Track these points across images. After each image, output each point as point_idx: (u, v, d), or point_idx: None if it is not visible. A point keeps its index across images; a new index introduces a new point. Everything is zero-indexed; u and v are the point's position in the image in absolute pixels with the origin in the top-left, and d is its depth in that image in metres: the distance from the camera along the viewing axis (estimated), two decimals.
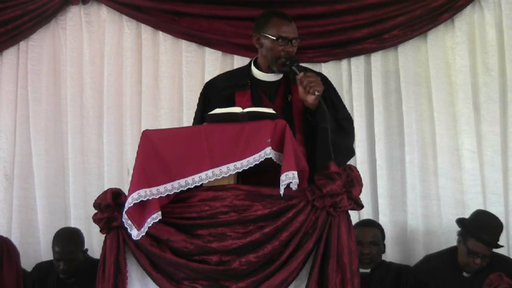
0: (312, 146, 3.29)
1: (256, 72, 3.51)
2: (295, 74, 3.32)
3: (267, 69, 3.48)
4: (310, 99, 3.24)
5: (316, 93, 3.21)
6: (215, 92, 3.50)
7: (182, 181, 2.93)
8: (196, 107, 3.64)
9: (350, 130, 3.48)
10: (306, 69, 3.37)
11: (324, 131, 3.15)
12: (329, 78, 3.62)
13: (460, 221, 4.28)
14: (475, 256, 4.17)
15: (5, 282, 4.46)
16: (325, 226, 2.94)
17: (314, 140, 3.29)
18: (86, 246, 4.60)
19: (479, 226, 4.19)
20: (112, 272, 3.00)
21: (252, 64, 3.54)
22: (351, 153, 3.51)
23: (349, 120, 3.51)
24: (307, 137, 3.36)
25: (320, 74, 3.64)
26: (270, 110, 3.04)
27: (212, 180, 2.94)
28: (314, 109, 3.27)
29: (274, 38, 3.37)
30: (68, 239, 4.50)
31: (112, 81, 5.04)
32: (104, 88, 5.05)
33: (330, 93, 3.47)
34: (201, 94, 3.61)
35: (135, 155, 2.98)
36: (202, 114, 3.45)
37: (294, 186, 2.87)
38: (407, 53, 4.81)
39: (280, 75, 3.48)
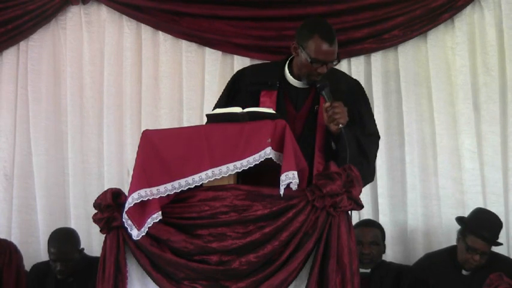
0: None
1: (288, 75, 3.41)
2: (325, 97, 3.23)
3: (297, 76, 3.39)
4: (334, 128, 3.19)
5: (340, 125, 3.16)
6: (243, 85, 3.43)
7: (182, 181, 2.93)
8: (222, 91, 3.55)
9: (371, 154, 3.39)
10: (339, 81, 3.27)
11: (344, 161, 3.10)
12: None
13: (460, 219, 4.29)
14: (474, 253, 4.17)
15: (4, 284, 4.46)
16: (325, 226, 2.94)
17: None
18: (85, 246, 4.60)
19: (478, 223, 4.20)
20: (112, 272, 3.00)
21: (286, 65, 3.44)
22: (370, 179, 3.43)
23: (373, 139, 3.43)
24: (328, 154, 3.30)
25: (355, 81, 3.60)
26: (270, 110, 3.04)
27: (212, 180, 2.94)
28: (337, 135, 3.21)
29: (309, 60, 3.24)
30: (63, 240, 4.49)
31: (112, 81, 5.04)
32: (104, 88, 5.05)
33: (359, 106, 3.41)
34: (230, 82, 3.54)
35: (135, 155, 2.98)
36: (226, 102, 3.36)
37: (294, 186, 2.87)
38: (407, 53, 4.81)
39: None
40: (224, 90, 3.55)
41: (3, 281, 4.49)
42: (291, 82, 3.41)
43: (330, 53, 3.26)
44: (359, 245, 4.18)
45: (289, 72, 3.42)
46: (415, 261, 4.51)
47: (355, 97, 3.43)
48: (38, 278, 4.61)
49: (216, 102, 3.56)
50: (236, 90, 3.46)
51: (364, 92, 3.58)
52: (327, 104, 3.21)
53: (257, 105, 3.29)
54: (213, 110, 3.44)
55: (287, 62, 3.45)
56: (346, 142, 3.14)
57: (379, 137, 3.51)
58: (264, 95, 3.36)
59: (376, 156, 3.48)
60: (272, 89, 3.37)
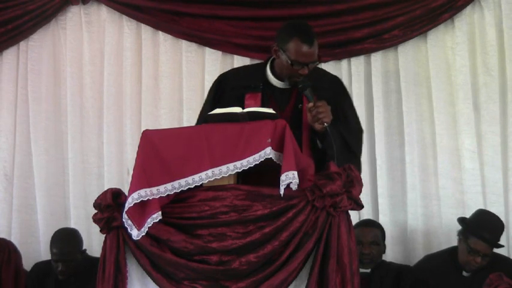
0: (320, 166, 3.23)
1: (271, 77, 3.44)
2: (308, 98, 3.26)
3: (279, 77, 3.42)
4: (318, 127, 3.22)
5: (325, 124, 3.19)
6: (227, 88, 3.46)
7: (182, 181, 2.93)
8: (206, 97, 3.58)
9: (358, 149, 3.43)
10: (324, 78, 3.32)
11: (331, 159, 3.12)
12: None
13: (462, 220, 4.28)
14: (476, 255, 4.17)
15: (3, 283, 4.46)
16: (325, 226, 2.94)
17: (322, 161, 3.23)
18: (85, 246, 4.59)
19: (480, 225, 4.20)
20: (112, 272, 3.00)
21: (268, 66, 3.46)
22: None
23: (358, 135, 3.46)
24: (315, 151, 3.32)
25: (335, 78, 3.63)
26: (270, 110, 3.04)
27: (212, 180, 2.94)
28: (322, 133, 3.24)
29: (290, 62, 3.28)
30: (65, 240, 4.49)
31: (112, 81, 5.04)
32: (104, 88, 5.05)
33: (342, 102, 3.44)
34: (213, 86, 3.56)
35: (135, 155, 2.98)
36: (211, 107, 3.36)
37: (294, 186, 2.87)
38: (407, 53, 4.81)
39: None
40: (208, 95, 3.56)
41: (2, 280, 4.49)
42: (274, 83, 3.44)
43: (310, 54, 3.30)
44: (359, 245, 4.17)
45: (272, 74, 3.44)
46: (416, 262, 4.51)
47: (337, 94, 3.47)
48: (39, 277, 4.61)
49: (202, 108, 3.57)
50: (220, 94, 3.48)
51: (345, 87, 3.62)
52: (310, 104, 3.24)
53: (242, 108, 3.27)
54: (199, 115, 3.50)
55: (269, 64, 3.48)
56: (332, 140, 3.16)
57: (362, 132, 3.54)
58: (248, 97, 3.39)
59: (361, 151, 3.50)
60: (256, 91, 3.39)
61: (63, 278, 4.47)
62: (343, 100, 3.49)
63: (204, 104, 3.56)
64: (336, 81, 3.58)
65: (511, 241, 4.59)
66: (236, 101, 3.34)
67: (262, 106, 3.32)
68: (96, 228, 3.17)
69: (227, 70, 3.79)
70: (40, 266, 4.67)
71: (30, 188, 5.05)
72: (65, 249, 4.45)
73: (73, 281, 4.49)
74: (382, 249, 4.47)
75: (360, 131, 3.50)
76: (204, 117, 3.18)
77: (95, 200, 3.10)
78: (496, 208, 4.53)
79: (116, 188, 3.11)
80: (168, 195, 2.93)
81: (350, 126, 3.41)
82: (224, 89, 3.48)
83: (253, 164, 2.91)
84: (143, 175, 2.90)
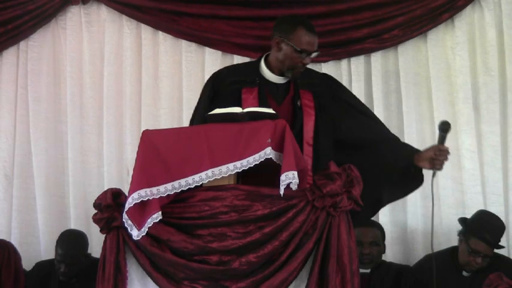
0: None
1: (266, 72, 3.48)
2: (442, 139, 3.40)
3: (278, 72, 3.46)
4: (426, 166, 3.38)
5: (437, 170, 3.36)
6: (222, 85, 3.48)
7: (182, 181, 2.93)
8: (199, 97, 3.60)
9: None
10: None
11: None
12: None
13: (462, 220, 4.28)
14: (477, 255, 4.17)
15: (3, 284, 4.46)
16: (325, 226, 2.94)
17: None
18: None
19: (481, 225, 4.19)
20: (112, 272, 3.00)
21: (263, 62, 3.50)
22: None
23: (377, 119, 3.69)
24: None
25: (325, 74, 3.71)
26: (270, 110, 3.04)
27: (212, 180, 2.94)
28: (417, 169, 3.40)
29: (298, 50, 3.35)
30: (71, 243, 4.48)
31: (112, 81, 5.03)
32: (103, 88, 5.04)
33: (339, 94, 3.53)
34: (207, 84, 3.58)
35: (135, 155, 2.98)
36: (207, 105, 3.42)
37: (294, 186, 2.87)
38: (407, 53, 4.81)
39: (286, 78, 3.46)
40: (202, 94, 3.58)
41: (2, 282, 4.48)
42: (270, 78, 3.47)
43: (314, 43, 3.41)
44: (359, 245, 4.17)
45: (267, 69, 3.48)
46: (416, 262, 4.50)
47: (331, 88, 3.53)
48: (41, 276, 4.60)
49: (195, 107, 3.58)
50: (215, 91, 3.49)
51: (337, 80, 3.69)
52: (445, 147, 3.38)
53: (239, 104, 3.34)
54: (192, 115, 3.55)
55: (263, 60, 3.51)
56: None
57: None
58: (245, 92, 3.42)
59: None
60: (252, 86, 3.43)
61: (64, 279, 4.47)
62: (340, 92, 3.57)
63: (198, 104, 3.58)
64: (326, 78, 3.64)
65: (511, 241, 4.59)
66: (232, 96, 3.38)
67: (260, 100, 3.38)
68: (96, 228, 3.17)
69: (220, 69, 3.81)
70: (42, 266, 4.66)
71: (30, 188, 5.04)
72: (70, 252, 4.44)
73: (75, 281, 4.49)
74: (382, 249, 4.47)
75: (374, 115, 3.68)
76: (204, 117, 3.19)
77: (95, 200, 3.10)
78: (496, 208, 4.53)
79: (116, 188, 3.12)
80: (168, 195, 2.93)
81: (368, 113, 3.59)
82: (219, 87, 3.49)
83: (253, 164, 2.91)
84: (143, 175, 2.90)
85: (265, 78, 3.47)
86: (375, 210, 3.77)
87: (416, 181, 3.52)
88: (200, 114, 3.41)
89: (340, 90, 3.59)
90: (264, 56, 3.53)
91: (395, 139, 3.58)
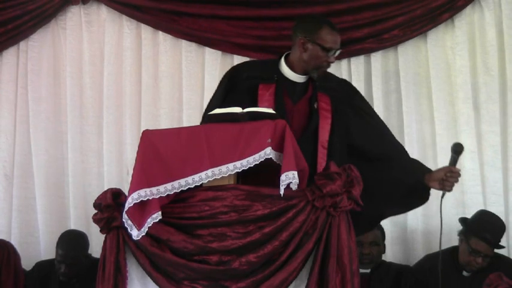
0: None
1: (286, 70, 3.45)
2: (454, 161, 3.41)
3: (300, 71, 3.44)
4: (438, 187, 3.38)
5: (446, 191, 3.37)
6: (240, 79, 3.47)
7: (182, 181, 2.92)
8: (215, 89, 3.59)
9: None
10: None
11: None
12: None
13: (463, 220, 4.28)
14: (477, 255, 4.17)
15: (2, 284, 4.46)
16: (325, 226, 2.93)
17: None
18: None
19: (482, 225, 4.20)
20: (112, 272, 3.00)
21: (283, 60, 3.48)
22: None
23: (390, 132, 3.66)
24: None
25: (344, 80, 3.72)
26: (270, 110, 3.04)
27: (212, 180, 2.94)
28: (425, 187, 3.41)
29: (325, 48, 3.35)
30: (72, 243, 4.48)
31: (112, 81, 5.03)
32: (103, 88, 5.04)
33: (356, 102, 3.53)
34: (225, 77, 3.56)
35: (135, 155, 2.98)
36: (223, 98, 3.42)
37: (294, 186, 2.87)
38: (407, 53, 4.81)
39: (307, 78, 3.45)
40: (219, 87, 3.56)
41: (2, 282, 4.48)
42: (289, 76, 3.45)
43: (338, 41, 3.42)
44: (359, 245, 4.17)
45: (288, 67, 3.46)
46: (416, 262, 4.50)
47: (348, 95, 3.52)
48: (41, 276, 4.60)
49: (210, 99, 3.57)
50: (232, 85, 3.48)
51: (355, 87, 3.68)
52: (457, 169, 3.38)
53: (255, 99, 3.35)
54: (207, 107, 3.51)
55: (283, 58, 3.49)
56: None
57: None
58: (262, 88, 3.40)
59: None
60: (270, 82, 3.41)
61: (64, 279, 4.47)
62: (356, 99, 3.56)
63: (213, 96, 3.56)
64: (345, 83, 3.65)
65: (511, 241, 4.59)
66: (249, 91, 3.38)
67: (276, 98, 3.37)
68: (96, 228, 3.17)
69: (239, 63, 3.80)
70: (42, 266, 4.66)
71: (30, 188, 5.04)
72: (70, 253, 4.44)
73: (75, 281, 4.49)
74: (382, 249, 4.47)
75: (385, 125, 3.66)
76: (224, 101, 3.22)
77: (95, 200, 3.10)
78: (496, 208, 4.53)
79: (115, 188, 3.11)
80: (168, 195, 2.93)
81: (381, 124, 3.59)
82: (236, 80, 3.48)
83: (253, 164, 2.91)
84: (143, 175, 2.90)
85: (284, 76, 3.45)
86: (375, 224, 3.81)
87: (422, 199, 3.53)
88: (213, 107, 3.39)
89: (357, 98, 3.57)
90: (285, 55, 3.50)
91: (405, 154, 3.57)
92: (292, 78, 3.45)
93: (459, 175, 3.39)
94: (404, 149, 3.63)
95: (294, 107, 3.38)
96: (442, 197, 3.39)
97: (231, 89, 3.46)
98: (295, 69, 3.44)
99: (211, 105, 3.47)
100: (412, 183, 3.41)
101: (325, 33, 3.37)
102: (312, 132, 3.37)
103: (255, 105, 3.30)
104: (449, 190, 3.37)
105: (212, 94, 3.58)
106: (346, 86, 3.61)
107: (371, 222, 3.60)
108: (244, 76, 3.46)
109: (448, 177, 3.35)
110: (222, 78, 3.57)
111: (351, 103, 3.50)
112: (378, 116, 3.64)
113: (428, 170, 3.46)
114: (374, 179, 3.29)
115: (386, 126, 3.63)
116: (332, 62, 3.41)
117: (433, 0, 4.71)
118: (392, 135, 3.63)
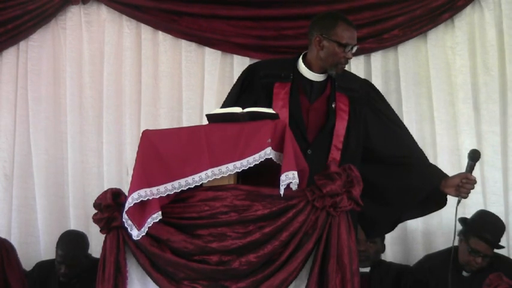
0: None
1: (303, 69, 3.44)
2: (470, 168, 3.40)
3: (318, 70, 3.43)
4: (453, 193, 3.40)
5: (462, 198, 3.40)
6: (256, 77, 3.47)
7: (182, 181, 2.92)
8: (232, 88, 3.58)
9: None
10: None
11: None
12: None
13: (463, 220, 4.28)
14: (477, 255, 4.17)
15: (9, 281, 4.45)
16: (325, 226, 2.93)
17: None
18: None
19: (482, 225, 4.20)
20: (112, 272, 2.99)
21: (301, 59, 3.47)
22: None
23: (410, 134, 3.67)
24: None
25: (366, 81, 3.69)
26: (270, 110, 3.03)
27: (212, 180, 2.94)
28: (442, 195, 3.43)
29: (342, 44, 3.33)
30: (71, 244, 4.49)
31: (111, 81, 5.04)
32: (103, 88, 5.04)
33: (376, 104, 3.51)
34: (241, 75, 3.56)
35: (135, 154, 2.97)
36: (237, 97, 3.42)
37: (294, 186, 2.87)
38: (407, 53, 4.82)
39: (325, 77, 3.44)
40: (235, 85, 3.57)
41: (7, 277, 4.47)
42: (307, 75, 3.44)
43: (355, 36, 3.40)
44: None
45: (305, 66, 3.45)
46: (416, 262, 4.50)
47: (369, 96, 3.51)
48: (41, 277, 4.61)
49: (226, 97, 3.58)
50: (248, 83, 3.49)
51: (376, 88, 3.67)
52: (473, 177, 3.37)
53: (270, 97, 3.36)
54: (222, 105, 3.50)
55: (301, 57, 3.49)
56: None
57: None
58: (277, 86, 3.40)
59: None
60: (286, 81, 3.40)
61: (64, 280, 4.47)
62: (377, 101, 3.54)
63: (230, 92, 3.56)
64: (366, 84, 3.63)
65: (511, 241, 4.59)
66: (264, 89, 3.39)
67: (291, 96, 3.38)
68: (95, 228, 3.17)
69: (256, 61, 3.79)
70: (42, 266, 4.66)
71: (30, 188, 5.04)
72: (70, 253, 4.45)
73: (75, 281, 4.49)
74: (380, 248, 4.46)
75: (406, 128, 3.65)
76: (239, 100, 3.25)
77: (95, 200, 3.10)
78: (496, 208, 4.53)
79: (115, 188, 3.11)
80: (168, 195, 2.93)
81: (402, 128, 3.58)
82: (253, 78, 3.48)
83: (253, 164, 2.91)
84: (143, 175, 2.90)
85: (301, 74, 3.44)
86: (392, 228, 3.79)
87: (439, 204, 3.55)
88: (227, 105, 3.40)
89: (378, 99, 3.56)
90: (303, 54, 3.49)
91: (424, 159, 3.56)
92: (310, 77, 3.44)
93: (475, 182, 3.38)
94: (423, 153, 3.59)
95: (310, 106, 3.38)
96: (458, 203, 3.39)
97: (247, 87, 3.47)
98: (313, 67, 3.43)
99: (226, 102, 3.49)
100: (428, 189, 3.41)
101: (341, 29, 3.35)
102: (328, 132, 3.37)
103: (270, 103, 3.33)
104: (465, 197, 3.38)
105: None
106: (367, 87, 3.57)
107: (388, 225, 3.63)
108: (261, 74, 3.46)
109: (464, 184, 3.35)
110: (239, 76, 3.58)
111: (371, 104, 3.49)
112: (398, 119, 3.62)
113: (445, 176, 3.44)
114: (392, 184, 3.31)
115: (406, 128, 3.61)
116: (350, 58, 3.39)
117: (433, 0, 4.71)
118: (412, 139, 3.61)
